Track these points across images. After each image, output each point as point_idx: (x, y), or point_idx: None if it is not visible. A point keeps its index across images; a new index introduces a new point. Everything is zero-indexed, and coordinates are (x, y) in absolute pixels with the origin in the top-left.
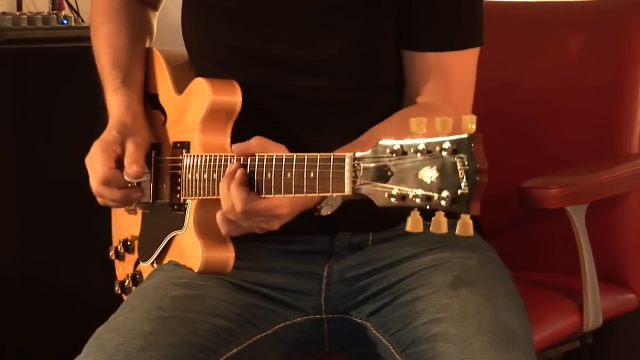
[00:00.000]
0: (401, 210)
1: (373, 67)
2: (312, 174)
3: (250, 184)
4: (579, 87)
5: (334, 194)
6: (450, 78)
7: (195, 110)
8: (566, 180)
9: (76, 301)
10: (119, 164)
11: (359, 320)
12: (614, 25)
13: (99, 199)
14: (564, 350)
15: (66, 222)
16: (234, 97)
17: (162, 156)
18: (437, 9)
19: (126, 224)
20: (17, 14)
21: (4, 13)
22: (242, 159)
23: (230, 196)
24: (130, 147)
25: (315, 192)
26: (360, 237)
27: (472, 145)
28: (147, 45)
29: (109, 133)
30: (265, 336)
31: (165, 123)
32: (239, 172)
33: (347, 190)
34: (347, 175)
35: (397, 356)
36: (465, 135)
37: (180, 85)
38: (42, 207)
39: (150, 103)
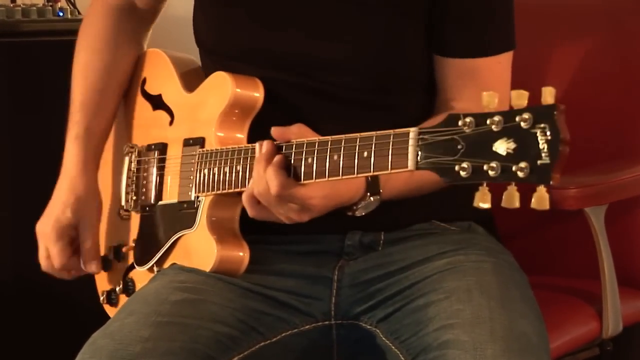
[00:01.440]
0: (468, 187)
1: (396, 67)
2: (365, 154)
3: (288, 169)
4: (599, 85)
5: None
6: (487, 83)
7: (214, 104)
8: (585, 180)
9: (72, 305)
10: (75, 245)
11: (369, 327)
12: (634, 22)
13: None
14: (582, 357)
15: None
16: (257, 93)
17: (168, 154)
18: (471, 13)
19: (116, 231)
20: (11, 5)
21: None
22: (280, 144)
23: (267, 178)
24: (86, 240)
25: (369, 172)
26: (371, 236)
27: (555, 114)
28: (129, 69)
29: (63, 213)
30: (269, 344)
31: (173, 122)
32: (278, 155)
33: (411, 165)
34: (411, 150)
35: None
36: (549, 105)
37: (190, 85)
38: (37, 209)
39: (153, 104)
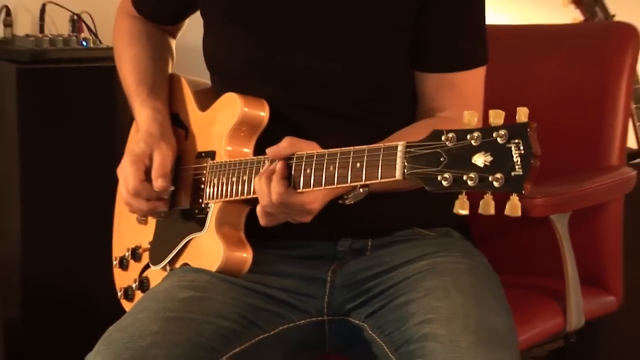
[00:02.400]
0: (446, 197)
1: (387, 81)
2: (358, 165)
3: (288, 178)
4: (565, 103)
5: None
6: (463, 94)
7: (225, 121)
8: (550, 190)
9: (89, 303)
10: (148, 175)
11: (357, 322)
12: (597, 46)
13: (127, 208)
14: (549, 348)
15: (80, 230)
16: (263, 112)
17: (182, 166)
18: (450, 33)
19: (134, 234)
20: (40, 36)
21: (27, 35)
22: (278, 160)
23: (270, 190)
24: (157, 161)
25: (361, 181)
26: (360, 242)
27: (528, 131)
28: (169, 64)
29: (137, 145)
30: (268, 337)
31: (187, 138)
32: (280, 166)
33: (398, 175)
34: (398, 162)
35: (390, 355)
36: (523, 122)
37: (203, 104)
38: (61, 218)
39: (172, 121)
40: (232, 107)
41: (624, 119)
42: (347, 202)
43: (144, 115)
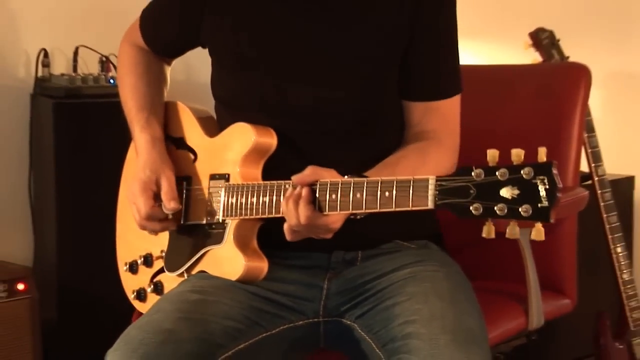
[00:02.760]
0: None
1: (380, 108)
2: (387, 194)
3: (314, 202)
4: (527, 132)
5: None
6: (446, 118)
7: (238, 148)
8: None
9: (114, 305)
10: (157, 198)
11: (349, 322)
12: (554, 84)
13: (140, 228)
14: (513, 345)
15: (107, 242)
16: (272, 140)
17: (193, 186)
18: (432, 68)
19: (144, 243)
20: (73, 74)
21: (62, 74)
22: (301, 186)
23: (297, 212)
24: (165, 185)
25: (391, 208)
26: (351, 254)
27: (553, 170)
28: (165, 91)
29: (144, 172)
30: (270, 335)
31: (196, 160)
32: (305, 192)
33: (430, 204)
34: (430, 192)
35: (377, 351)
36: (548, 162)
37: (209, 131)
38: (90, 231)
39: (175, 144)
40: (244, 136)
41: (577, 147)
42: (358, 217)
43: (143, 142)
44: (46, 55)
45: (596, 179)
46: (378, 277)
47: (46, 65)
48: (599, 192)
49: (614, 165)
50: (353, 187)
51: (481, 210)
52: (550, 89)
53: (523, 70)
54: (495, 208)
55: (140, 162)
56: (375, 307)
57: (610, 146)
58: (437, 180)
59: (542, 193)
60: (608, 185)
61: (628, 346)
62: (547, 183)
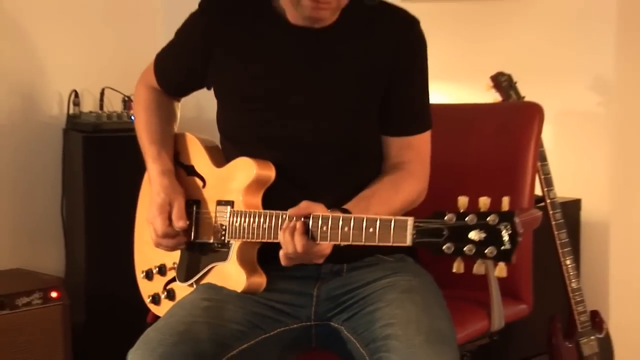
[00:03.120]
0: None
1: (363, 141)
2: (371, 229)
3: (307, 233)
4: (490, 161)
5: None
6: (418, 151)
7: (241, 179)
8: None
9: (137, 310)
10: (170, 219)
11: (337, 325)
12: (512, 120)
13: (156, 244)
14: (478, 344)
15: (128, 255)
16: (271, 173)
17: (202, 209)
18: (407, 107)
19: (158, 255)
20: (100, 112)
21: (90, 112)
22: (301, 217)
23: (293, 242)
24: (175, 207)
25: (374, 242)
26: (338, 266)
27: (515, 218)
28: (174, 126)
29: (159, 196)
30: (269, 336)
31: (205, 187)
32: (299, 225)
33: (409, 242)
34: (408, 232)
35: (361, 350)
36: (511, 211)
37: (217, 161)
38: (114, 245)
39: (186, 171)
40: (247, 169)
41: (532, 174)
42: (341, 245)
43: (156, 171)
44: (77, 95)
45: (548, 201)
46: (361, 286)
47: (77, 104)
48: (550, 212)
49: (563, 190)
50: (342, 222)
51: (452, 249)
52: (509, 125)
53: (485, 109)
54: (465, 248)
55: (154, 188)
56: (359, 312)
57: (560, 173)
58: (415, 222)
59: (505, 237)
60: (558, 207)
61: (576, 345)
62: (509, 229)
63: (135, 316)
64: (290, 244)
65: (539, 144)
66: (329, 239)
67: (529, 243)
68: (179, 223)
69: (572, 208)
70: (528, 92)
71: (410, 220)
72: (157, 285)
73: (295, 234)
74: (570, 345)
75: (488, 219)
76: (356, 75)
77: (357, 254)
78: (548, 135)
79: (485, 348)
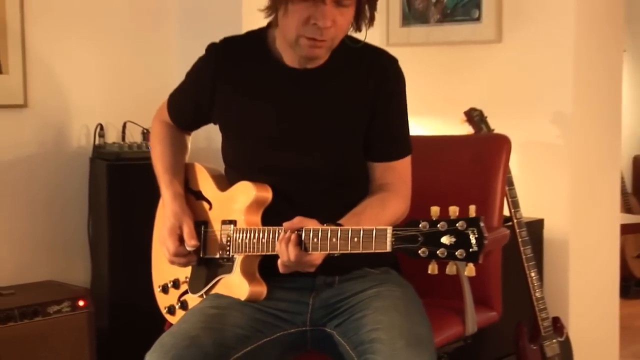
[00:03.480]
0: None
1: (350, 169)
2: (355, 239)
3: (300, 244)
4: (464, 186)
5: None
6: (400, 174)
7: (242, 201)
8: None
9: (155, 317)
10: (181, 239)
11: (329, 330)
12: (483, 150)
13: (170, 262)
14: (454, 347)
15: (148, 267)
16: (268, 194)
17: (209, 229)
18: (389, 135)
19: (172, 271)
20: (122, 143)
21: (114, 142)
22: (295, 230)
23: (287, 251)
24: (186, 229)
25: (359, 250)
26: (330, 278)
27: (481, 223)
28: (185, 156)
29: (170, 220)
30: (269, 340)
31: (211, 209)
32: (293, 236)
33: (389, 248)
34: (388, 240)
35: (351, 352)
36: (477, 217)
37: (221, 186)
38: (135, 258)
39: (195, 196)
40: (247, 191)
41: (501, 197)
42: (335, 255)
43: (168, 197)
44: (102, 128)
45: (515, 221)
46: (351, 296)
47: (102, 136)
48: (517, 230)
49: (528, 211)
50: (330, 234)
51: (427, 253)
52: (480, 154)
53: (460, 140)
54: (438, 252)
55: (166, 212)
56: (349, 318)
57: (525, 196)
58: (393, 230)
59: (473, 241)
60: (524, 226)
61: (540, 347)
62: (476, 233)
63: (152, 321)
64: (285, 253)
65: (507, 170)
66: (319, 249)
67: (498, 257)
68: (192, 242)
69: (536, 227)
70: (497, 125)
71: (389, 229)
72: (172, 297)
73: (289, 245)
74: (535, 348)
75: (457, 224)
76: (344, 111)
77: (347, 267)
78: (515, 163)
79: (460, 350)
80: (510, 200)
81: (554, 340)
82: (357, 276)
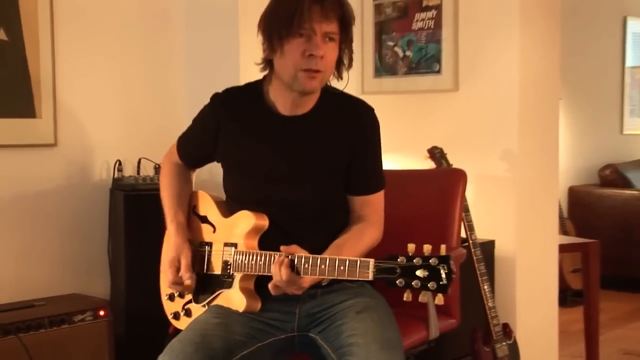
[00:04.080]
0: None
1: (334, 201)
2: (341, 267)
3: (292, 267)
4: (427, 213)
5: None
6: (375, 206)
7: (243, 227)
8: None
9: (166, 325)
10: (178, 270)
11: (314, 336)
12: (444, 182)
13: (169, 288)
14: (419, 349)
15: (155, 282)
16: (265, 222)
17: (212, 249)
18: (365, 173)
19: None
20: (137, 176)
21: (130, 176)
22: (289, 255)
23: (280, 272)
24: (183, 264)
25: (344, 277)
26: (314, 290)
27: (450, 261)
28: (190, 190)
29: (171, 252)
30: (262, 345)
31: (215, 232)
32: (286, 261)
33: (370, 277)
34: (370, 270)
35: (332, 355)
36: (447, 255)
37: (224, 213)
38: (148, 274)
39: (201, 220)
40: (247, 219)
41: (459, 222)
42: (323, 283)
43: (173, 229)
44: (120, 164)
45: (471, 242)
46: (332, 306)
47: (120, 170)
48: (472, 250)
49: (481, 233)
50: (320, 261)
51: (403, 283)
52: (441, 186)
53: (424, 174)
54: (413, 283)
55: (169, 243)
56: (330, 325)
57: (479, 221)
58: (375, 262)
59: (443, 275)
60: (478, 246)
61: (492, 349)
62: (446, 269)
63: (163, 329)
64: (278, 274)
65: (464, 199)
66: (309, 273)
67: (457, 273)
68: (186, 276)
69: (488, 247)
70: (455, 160)
71: (371, 262)
72: (177, 305)
73: (282, 266)
74: (487, 350)
75: (430, 261)
76: (328, 152)
77: (329, 281)
78: (470, 193)
79: (424, 352)
80: (466, 224)
81: (504, 343)
82: (337, 289)
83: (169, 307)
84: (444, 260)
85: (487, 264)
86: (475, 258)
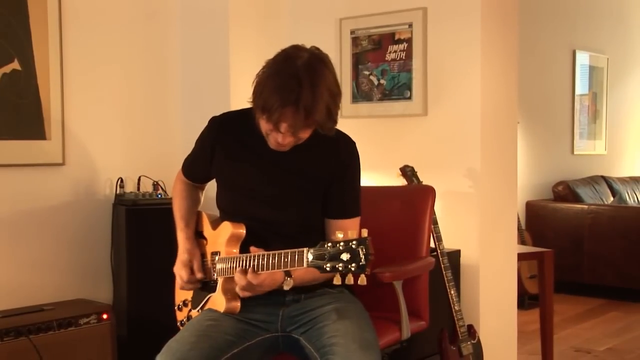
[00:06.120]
0: (326, 278)
1: (313, 222)
2: (285, 259)
3: (245, 271)
4: (399, 225)
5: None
6: (346, 232)
7: (224, 236)
8: (393, 268)
9: (166, 328)
10: (192, 270)
11: (297, 336)
12: (415, 198)
13: (181, 287)
14: (392, 348)
15: (161, 287)
16: (242, 231)
17: (205, 259)
18: (342, 199)
19: (184, 294)
20: (137, 192)
21: (131, 192)
22: (246, 257)
23: (238, 278)
24: (195, 264)
25: (287, 268)
26: (297, 295)
27: (367, 242)
28: (198, 206)
29: (184, 255)
30: (250, 344)
31: (207, 244)
32: (239, 267)
33: (305, 265)
34: (305, 258)
35: (315, 354)
36: (365, 238)
37: (214, 227)
38: (150, 281)
39: (198, 235)
40: (226, 229)
41: (428, 233)
42: (284, 287)
43: (182, 238)
44: (122, 181)
45: (439, 251)
46: (314, 309)
47: (122, 187)
48: (440, 258)
49: (448, 243)
50: (270, 256)
51: (329, 267)
52: (412, 201)
53: (395, 190)
54: (337, 266)
55: (180, 249)
56: (313, 327)
57: (446, 232)
58: (307, 251)
59: (362, 256)
60: (446, 255)
61: (458, 348)
62: (364, 250)
63: (161, 330)
64: (240, 281)
65: (433, 213)
66: (263, 269)
67: (426, 279)
68: (199, 274)
69: (454, 256)
70: (425, 178)
71: (306, 250)
72: (183, 313)
73: (237, 273)
74: (454, 348)
75: (351, 244)
76: (309, 177)
77: (311, 287)
78: (438, 207)
79: (398, 351)
80: (435, 235)
81: (469, 343)
82: (319, 294)
83: (178, 316)
84: (362, 242)
85: (453, 271)
86: (443, 266)
